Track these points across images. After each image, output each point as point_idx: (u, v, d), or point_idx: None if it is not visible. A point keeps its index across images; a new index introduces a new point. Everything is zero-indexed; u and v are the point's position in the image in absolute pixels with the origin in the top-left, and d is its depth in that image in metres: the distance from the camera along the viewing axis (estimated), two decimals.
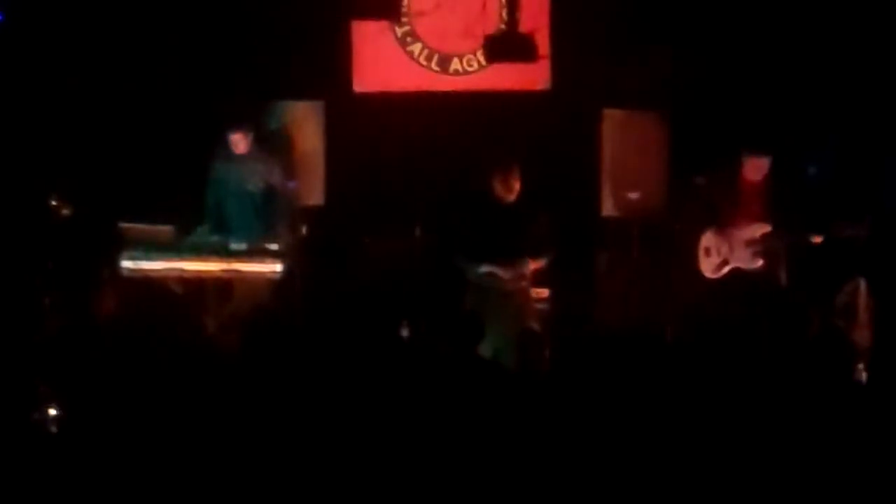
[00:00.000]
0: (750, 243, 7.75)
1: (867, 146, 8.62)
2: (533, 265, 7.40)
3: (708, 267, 7.88)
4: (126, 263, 7.93)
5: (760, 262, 7.75)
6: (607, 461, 4.48)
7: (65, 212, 8.34)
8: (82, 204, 8.50)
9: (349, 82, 9.40)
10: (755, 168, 7.73)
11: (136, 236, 8.02)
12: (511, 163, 7.41)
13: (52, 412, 5.33)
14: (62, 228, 8.38)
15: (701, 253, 7.92)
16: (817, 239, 7.57)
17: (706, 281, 7.91)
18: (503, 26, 9.29)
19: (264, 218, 8.24)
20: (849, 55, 8.75)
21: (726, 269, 7.83)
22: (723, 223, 7.83)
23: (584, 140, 9.04)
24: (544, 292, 8.67)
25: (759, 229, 7.75)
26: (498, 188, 7.32)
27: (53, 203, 8.31)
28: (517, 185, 7.34)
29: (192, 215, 8.30)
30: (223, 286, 8.02)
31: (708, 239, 7.90)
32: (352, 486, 4.50)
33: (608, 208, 9.02)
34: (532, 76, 9.27)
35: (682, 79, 8.86)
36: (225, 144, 8.25)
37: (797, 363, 5.00)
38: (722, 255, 7.85)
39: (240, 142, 8.17)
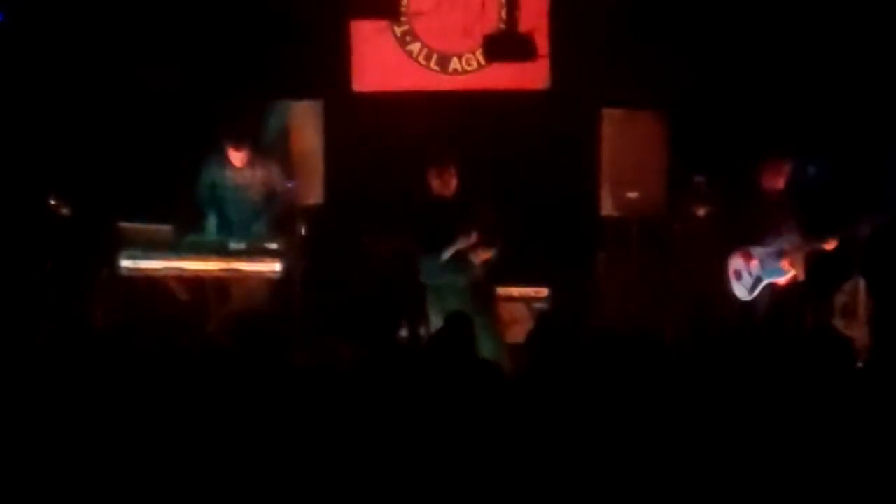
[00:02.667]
0: (780, 255, 7.53)
1: (872, 145, 8.59)
2: (482, 257, 7.41)
3: (742, 290, 7.62)
4: (125, 263, 7.92)
5: (793, 273, 7.54)
6: (606, 461, 4.48)
7: (64, 212, 8.33)
8: (82, 203, 8.49)
9: (348, 82, 9.40)
10: (775, 175, 7.59)
11: (136, 236, 8.01)
12: (446, 158, 7.44)
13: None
14: (62, 228, 8.37)
15: (731, 277, 7.68)
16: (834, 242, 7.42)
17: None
18: (502, 26, 9.29)
19: (263, 217, 8.25)
20: (852, 53, 8.73)
21: (760, 287, 7.59)
22: (747, 241, 7.63)
23: (584, 139, 9.03)
24: (543, 291, 8.69)
25: (787, 240, 7.54)
26: (434, 185, 7.38)
27: (53, 203, 8.30)
28: (454, 181, 7.40)
29: (192, 215, 8.30)
30: (222, 286, 8.02)
31: (735, 262, 7.67)
32: (350, 486, 4.50)
33: (607, 207, 9.00)
34: (531, 75, 9.27)
35: (682, 78, 8.86)
36: (223, 146, 8.27)
37: (796, 363, 5.00)
38: (753, 274, 7.63)
39: (238, 157, 8.16)
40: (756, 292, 7.61)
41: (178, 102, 9.00)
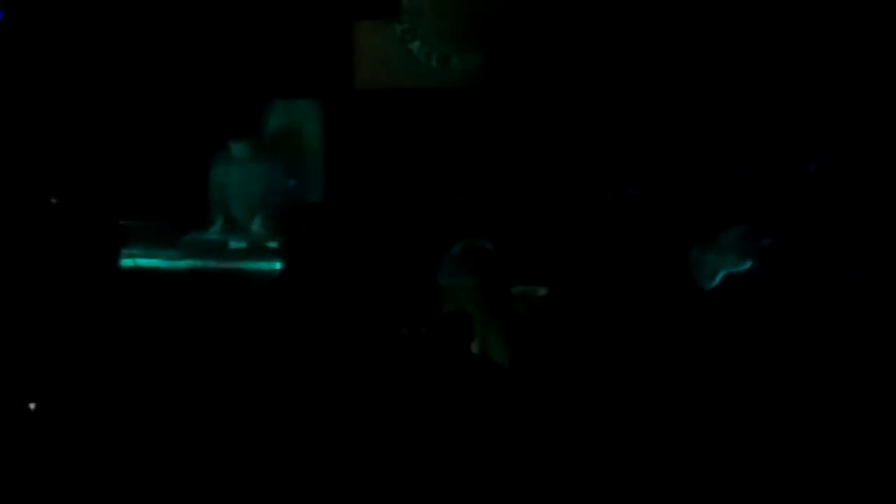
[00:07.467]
0: (736, 245, 7.67)
1: (873, 143, 8.59)
2: None
3: (700, 278, 7.79)
4: (126, 262, 7.95)
5: (749, 264, 7.67)
6: (606, 458, 4.49)
7: (65, 210, 8.35)
8: (83, 202, 8.51)
9: (350, 80, 9.40)
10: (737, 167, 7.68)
11: (137, 235, 8.04)
12: None
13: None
14: (62, 227, 8.39)
15: (691, 267, 7.83)
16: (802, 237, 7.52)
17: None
18: (502, 23, 9.29)
19: (263, 213, 8.29)
20: (853, 51, 8.73)
21: (720, 277, 7.74)
22: (705, 231, 7.75)
23: (583, 137, 9.04)
24: (543, 291, 8.68)
25: (742, 229, 7.68)
26: None
27: (53, 202, 8.32)
28: None
29: (193, 214, 8.33)
30: (222, 285, 8.04)
31: (694, 252, 7.82)
32: (352, 483, 4.51)
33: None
34: (531, 73, 9.27)
35: (680, 76, 8.87)
36: (227, 144, 8.30)
37: (790, 361, 5.01)
38: (711, 263, 7.76)
39: (239, 148, 8.22)
40: (715, 281, 7.77)
41: (181, 101, 9.02)
